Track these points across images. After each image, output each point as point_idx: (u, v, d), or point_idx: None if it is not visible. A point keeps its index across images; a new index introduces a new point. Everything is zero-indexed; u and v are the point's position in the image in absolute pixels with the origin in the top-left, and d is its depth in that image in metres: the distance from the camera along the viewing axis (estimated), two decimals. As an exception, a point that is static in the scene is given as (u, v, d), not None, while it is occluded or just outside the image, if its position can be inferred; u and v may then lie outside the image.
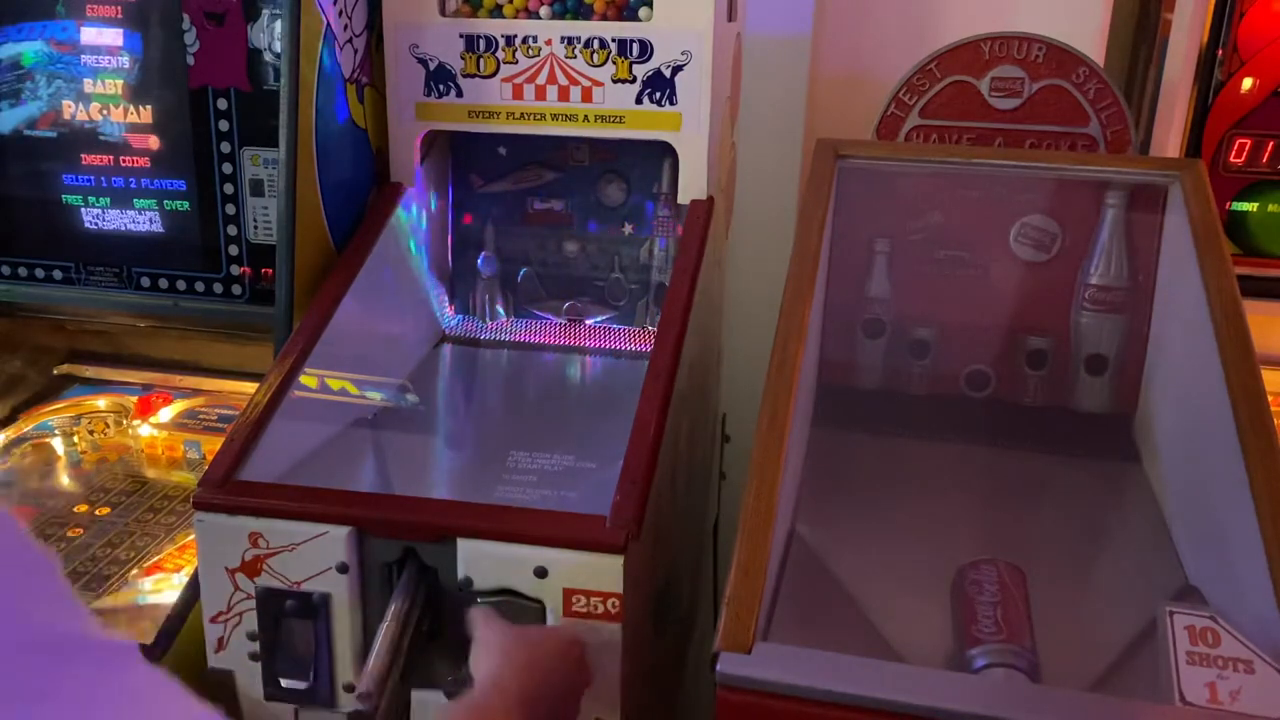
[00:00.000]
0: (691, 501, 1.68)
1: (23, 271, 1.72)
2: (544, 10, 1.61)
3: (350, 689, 1.24)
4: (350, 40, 1.60)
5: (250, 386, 1.41)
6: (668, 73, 1.58)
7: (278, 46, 1.51)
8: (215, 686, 1.31)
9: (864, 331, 1.56)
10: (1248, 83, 1.59)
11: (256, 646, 1.28)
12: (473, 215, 1.82)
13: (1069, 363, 1.52)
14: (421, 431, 1.58)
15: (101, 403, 1.77)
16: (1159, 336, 1.46)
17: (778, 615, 1.08)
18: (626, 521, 1.18)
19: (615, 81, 1.60)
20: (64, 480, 1.67)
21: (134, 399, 1.76)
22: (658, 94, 1.59)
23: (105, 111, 1.63)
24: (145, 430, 1.72)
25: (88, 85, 1.63)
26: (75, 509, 1.58)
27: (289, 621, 1.25)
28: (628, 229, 1.77)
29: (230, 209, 1.61)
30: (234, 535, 1.24)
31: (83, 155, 1.65)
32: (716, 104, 1.61)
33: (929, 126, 1.63)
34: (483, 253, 1.81)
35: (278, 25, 1.51)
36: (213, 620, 1.28)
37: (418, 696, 1.23)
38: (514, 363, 1.77)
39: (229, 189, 1.60)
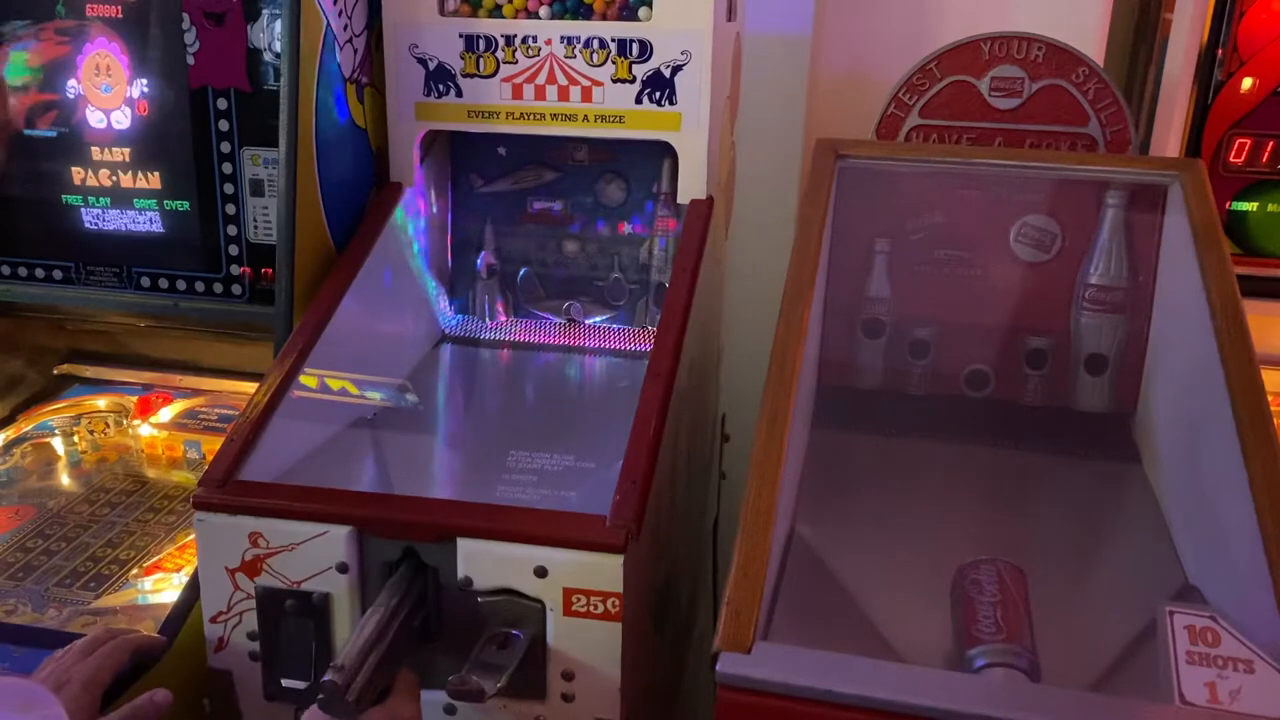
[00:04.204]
0: (691, 501, 1.68)
1: (23, 271, 1.72)
2: (544, 10, 1.61)
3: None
4: (350, 40, 1.60)
5: (250, 386, 1.41)
6: (667, 73, 1.58)
7: (278, 46, 1.51)
8: (215, 686, 1.31)
9: (864, 331, 1.56)
10: (1248, 82, 1.59)
11: (256, 646, 1.28)
12: (472, 215, 1.82)
13: (1069, 363, 1.52)
14: (421, 431, 1.58)
15: (101, 403, 1.78)
16: (1159, 336, 1.46)
17: (778, 615, 1.08)
18: (626, 521, 1.18)
19: (615, 81, 1.60)
20: (64, 480, 1.67)
21: (134, 399, 1.77)
22: (657, 94, 1.59)
23: (105, 111, 1.63)
24: (145, 430, 1.72)
25: (87, 86, 1.63)
26: (75, 509, 1.58)
27: (289, 621, 1.25)
28: (627, 229, 1.77)
29: (230, 209, 1.61)
30: (234, 535, 1.24)
31: (83, 155, 1.66)
32: (716, 104, 1.61)
33: (929, 126, 1.63)
34: (482, 252, 1.81)
35: (278, 25, 1.51)
36: (213, 620, 1.29)
37: (424, 696, 1.23)
38: (514, 362, 1.77)
39: (229, 189, 1.60)
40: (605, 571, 1.17)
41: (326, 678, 1.05)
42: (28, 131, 1.67)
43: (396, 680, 1.16)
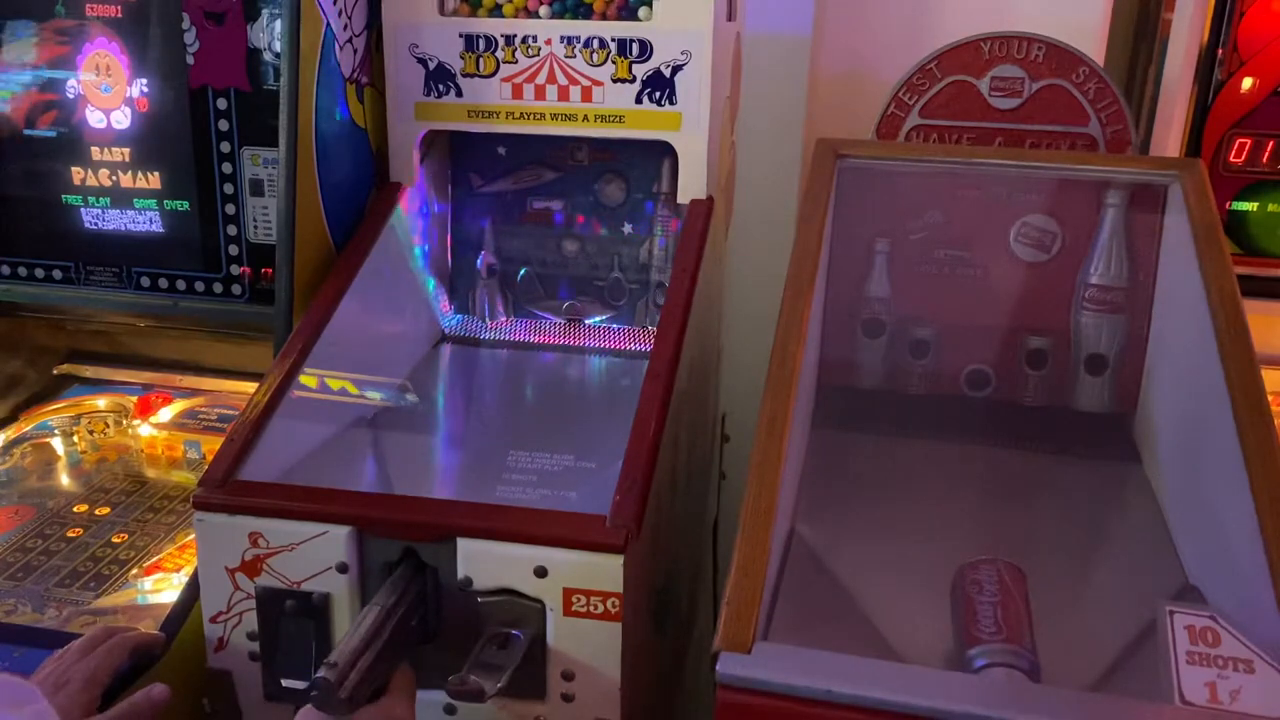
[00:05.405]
0: (691, 501, 1.68)
1: (23, 271, 1.72)
2: (543, 10, 1.61)
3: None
4: (350, 40, 1.60)
5: (250, 386, 1.41)
6: (667, 72, 1.58)
7: (278, 46, 1.51)
8: (215, 686, 1.31)
9: (864, 331, 1.56)
10: (1248, 82, 1.59)
11: (256, 646, 1.28)
12: (472, 215, 1.82)
13: (1069, 363, 1.52)
14: (421, 431, 1.58)
15: (101, 403, 1.77)
16: (1159, 336, 1.46)
17: (778, 615, 1.08)
18: (626, 521, 1.18)
19: (615, 81, 1.60)
20: (64, 480, 1.67)
21: (134, 399, 1.76)
22: (657, 94, 1.59)
23: (105, 111, 1.63)
24: (145, 430, 1.72)
25: (87, 85, 1.63)
26: (75, 509, 1.58)
27: (289, 621, 1.25)
28: (627, 229, 1.77)
29: (230, 209, 1.61)
30: (234, 535, 1.24)
31: (83, 155, 1.65)
32: (716, 104, 1.61)
33: (929, 126, 1.63)
34: (482, 252, 1.81)
35: (278, 25, 1.51)
36: (213, 620, 1.28)
37: (423, 697, 1.23)
38: (514, 363, 1.77)
39: (229, 189, 1.60)
40: (605, 571, 1.17)
41: (320, 674, 1.05)
42: (28, 131, 1.67)
43: (393, 679, 1.16)
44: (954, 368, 1.55)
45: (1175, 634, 1.00)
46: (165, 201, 1.64)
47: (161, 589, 1.41)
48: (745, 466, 1.13)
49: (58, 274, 1.71)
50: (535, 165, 1.79)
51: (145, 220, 1.66)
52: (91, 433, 1.74)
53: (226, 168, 1.59)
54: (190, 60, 1.56)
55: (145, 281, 1.68)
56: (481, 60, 1.63)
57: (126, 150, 1.64)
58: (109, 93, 1.62)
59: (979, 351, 1.54)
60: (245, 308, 1.64)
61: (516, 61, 1.62)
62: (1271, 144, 1.60)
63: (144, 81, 1.60)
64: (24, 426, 1.75)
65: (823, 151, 1.51)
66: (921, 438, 1.50)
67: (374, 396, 1.57)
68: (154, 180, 1.64)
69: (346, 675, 1.06)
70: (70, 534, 1.52)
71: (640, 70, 1.58)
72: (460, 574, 1.21)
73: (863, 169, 1.51)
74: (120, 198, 1.66)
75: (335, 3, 1.55)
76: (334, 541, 1.22)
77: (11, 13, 1.63)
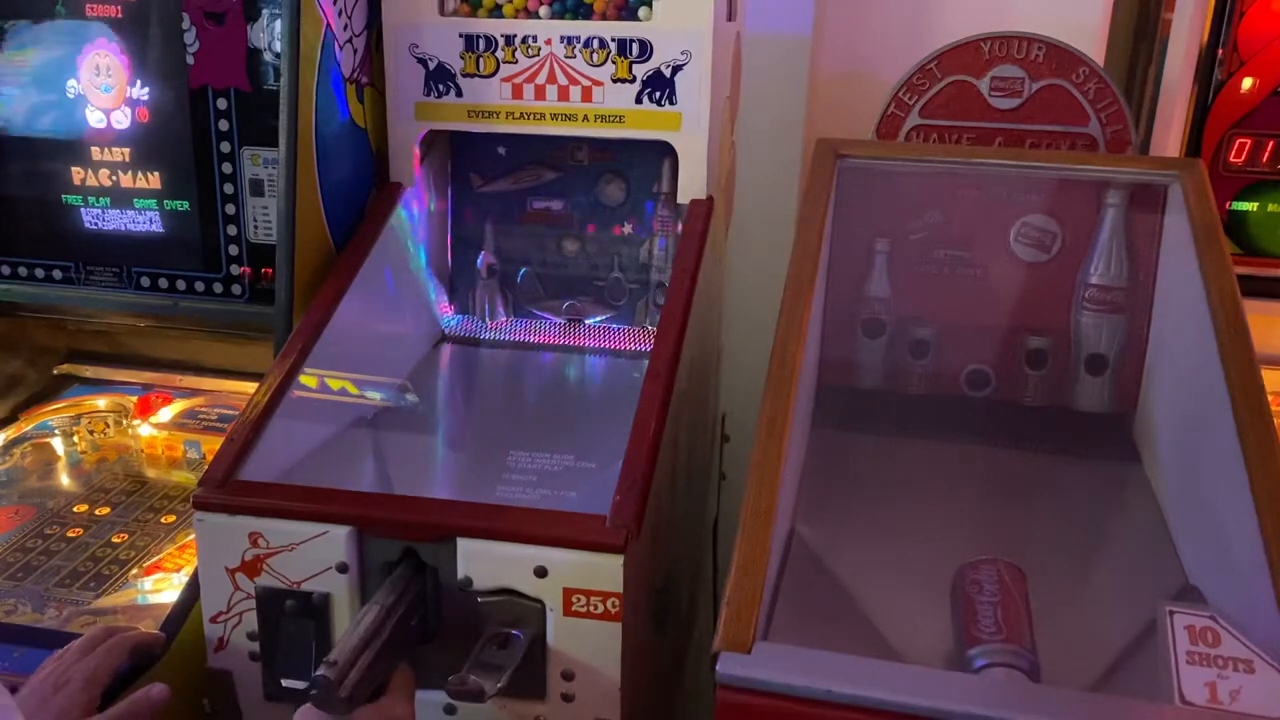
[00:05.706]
0: (691, 501, 1.68)
1: (23, 271, 1.72)
2: (543, 10, 1.61)
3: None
4: (350, 40, 1.60)
5: (250, 386, 1.41)
6: (667, 72, 1.58)
7: (278, 46, 1.51)
8: (215, 686, 1.31)
9: (864, 331, 1.56)
10: (1248, 82, 1.59)
11: (256, 646, 1.28)
12: (472, 215, 1.82)
13: (1069, 363, 1.52)
14: (421, 431, 1.58)
15: (101, 402, 1.77)
16: (1159, 336, 1.46)
17: (778, 615, 1.08)
18: (626, 521, 1.18)
19: (615, 81, 1.60)
20: (64, 480, 1.67)
21: (134, 399, 1.76)
22: (657, 94, 1.59)
23: (105, 111, 1.63)
24: (145, 430, 1.72)
25: (87, 85, 1.63)
26: (75, 509, 1.58)
27: (289, 621, 1.25)
28: (627, 229, 1.77)
29: (230, 209, 1.61)
30: (234, 535, 1.24)
31: (83, 155, 1.65)
32: (716, 104, 1.61)
33: (929, 126, 1.63)
34: (482, 252, 1.81)
35: (278, 25, 1.51)
36: (213, 620, 1.29)
37: (423, 697, 1.23)
38: (514, 363, 1.77)
39: (229, 189, 1.60)
40: (605, 571, 1.17)
41: (319, 673, 1.05)
42: (28, 131, 1.67)
43: (393, 679, 1.16)
44: (954, 368, 1.55)
45: (1175, 634, 1.00)
46: (165, 201, 1.64)
47: (161, 589, 1.41)
48: (745, 466, 1.13)
49: (58, 274, 1.71)
50: (535, 165, 1.79)
51: (145, 220, 1.66)
52: (91, 433, 1.74)
53: (226, 168, 1.59)
54: (190, 60, 1.56)
55: (145, 281, 1.68)
56: (481, 60, 1.63)
57: (126, 150, 1.64)
58: (109, 93, 1.62)
59: (979, 351, 1.54)
60: (245, 308, 1.64)
61: (516, 61, 1.62)
62: (1271, 144, 1.60)
63: (144, 81, 1.60)
64: (24, 426, 1.75)
65: (823, 151, 1.51)
66: (921, 438, 1.50)
67: (374, 396, 1.57)
68: (154, 180, 1.64)
69: (346, 674, 1.06)
70: (70, 534, 1.52)
71: (640, 70, 1.58)
72: (460, 574, 1.21)
73: (863, 169, 1.51)
74: (120, 198, 1.66)
75: (335, 3, 1.55)
76: (334, 541, 1.22)
77: (11, 13, 1.63)
